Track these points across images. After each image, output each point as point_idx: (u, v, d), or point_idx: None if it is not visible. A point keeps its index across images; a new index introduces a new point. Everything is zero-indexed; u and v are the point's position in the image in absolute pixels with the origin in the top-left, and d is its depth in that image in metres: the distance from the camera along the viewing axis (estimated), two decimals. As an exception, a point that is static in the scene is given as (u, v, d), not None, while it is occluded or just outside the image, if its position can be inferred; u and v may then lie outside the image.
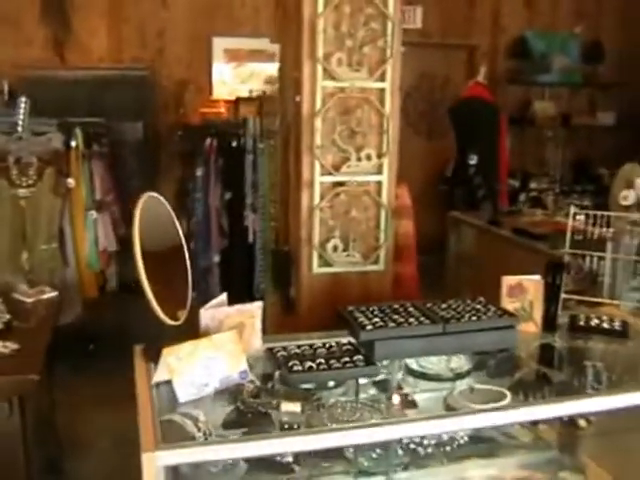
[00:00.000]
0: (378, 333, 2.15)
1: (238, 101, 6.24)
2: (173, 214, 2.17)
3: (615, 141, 7.59)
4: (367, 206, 3.06)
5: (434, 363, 2.33)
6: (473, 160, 4.94)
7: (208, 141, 4.97)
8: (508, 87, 7.54)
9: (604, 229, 2.51)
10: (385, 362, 2.23)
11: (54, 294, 3.72)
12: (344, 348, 2.18)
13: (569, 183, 7.05)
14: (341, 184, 3.00)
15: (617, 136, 7.62)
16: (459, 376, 2.28)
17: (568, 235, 2.50)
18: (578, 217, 2.48)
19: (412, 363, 2.31)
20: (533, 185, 6.39)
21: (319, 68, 2.89)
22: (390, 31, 2.99)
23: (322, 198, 2.98)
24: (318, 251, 3.01)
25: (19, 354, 2.81)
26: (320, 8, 2.87)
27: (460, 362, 2.34)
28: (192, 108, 6.58)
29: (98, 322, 5.08)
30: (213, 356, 1.97)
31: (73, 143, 4.83)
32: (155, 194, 2.12)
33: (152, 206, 2.15)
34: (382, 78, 3.00)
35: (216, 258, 4.97)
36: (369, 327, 2.16)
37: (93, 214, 4.94)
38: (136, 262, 2.02)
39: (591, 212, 2.52)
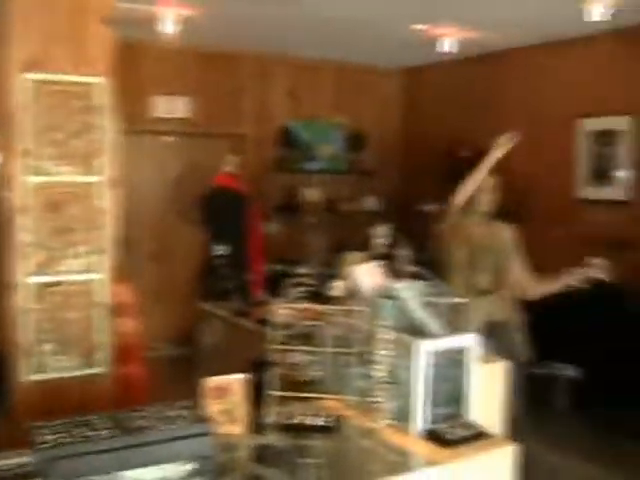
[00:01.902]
0: (55, 452, 1.95)
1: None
2: None
3: (386, 225, 7.89)
4: (83, 306, 2.89)
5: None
6: (220, 251, 4.91)
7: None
8: (276, 175, 7.68)
9: (310, 322, 2.50)
10: None
11: None
12: (18, 471, 1.96)
13: (335, 266, 7.18)
14: (54, 284, 2.81)
15: (383, 220, 7.94)
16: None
17: (272, 330, 2.45)
18: (284, 311, 2.44)
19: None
20: (299, 271, 6.44)
21: (24, 162, 2.73)
22: (103, 123, 2.88)
23: (33, 299, 2.77)
24: (30, 356, 2.78)
25: None
26: (24, 100, 2.72)
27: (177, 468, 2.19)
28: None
29: None
30: None
31: None
32: None
33: None
34: (95, 171, 2.88)
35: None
36: (45, 445, 1.97)
37: None
38: None
39: (296, 305, 2.49)
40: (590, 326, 5.47)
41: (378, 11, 5.75)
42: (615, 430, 5.24)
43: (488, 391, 2.88)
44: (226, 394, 2.31)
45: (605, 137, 6.40)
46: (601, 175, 6.43)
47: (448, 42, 6.63)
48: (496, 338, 3.53)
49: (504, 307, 4.03)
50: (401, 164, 8.64)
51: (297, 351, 2.49)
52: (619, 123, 6.27)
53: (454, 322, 2.64)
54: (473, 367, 2.50)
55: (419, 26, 6.29)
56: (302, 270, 6.58)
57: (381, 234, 2.99)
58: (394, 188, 8.50)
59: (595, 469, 4.74)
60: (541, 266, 6.14)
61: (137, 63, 6.95)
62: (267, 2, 5.48)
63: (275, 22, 6.24)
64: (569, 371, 5.73)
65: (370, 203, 8.06)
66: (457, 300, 2.68)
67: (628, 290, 5.71)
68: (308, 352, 2.52)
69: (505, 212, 5.83)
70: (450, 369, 2.43)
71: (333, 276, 5.94)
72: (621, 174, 6.28)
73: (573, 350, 5.64)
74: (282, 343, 2.42)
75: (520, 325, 4.09)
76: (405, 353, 2.35)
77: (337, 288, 2.75)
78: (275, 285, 5.47)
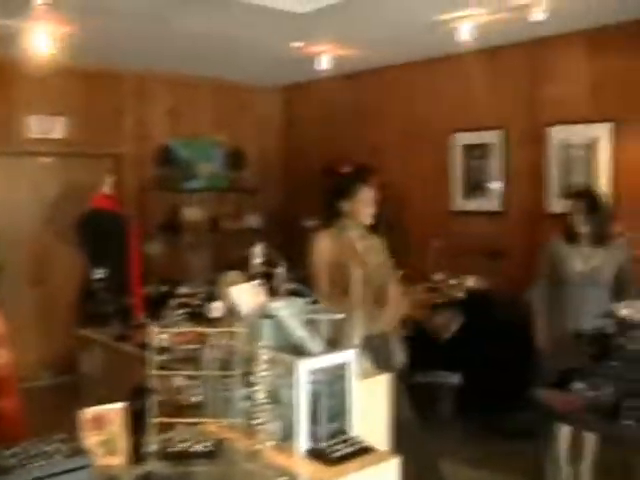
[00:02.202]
0: None
1: None
2: None
3: (263, 242, 7.92)
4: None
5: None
6: (99, 274, 4.78)
7: None
8: (157, 194, 7.56)
9: (190, 345, 2.47)
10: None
11: None
12: None
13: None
14: None
15: (264, 237, 7.98)
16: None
17: (151, 354, 2.40)
18: (162, 335, 2.40)
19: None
20: (183, 290, 6.37)
21: None
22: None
23: None
24: None
25: None
26: None
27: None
28: None
29: None
30: None
31: None
32: None
33: None
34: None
35: None
36: None
37: None
38: None
39: (174, 329, 2.46)
40: (467, 334, 5.64)
41: (255, 29, 5.77)
42: (492, 434, 5.43)
43: (371, 405, 2.93)
44: (104, 424, 2.25)
45: (477, 150, 6.64)
46: (475, 187, 6.68)
47: (326, 60, 6.72)
48: (376, 350, 3.59)
49: (385, 320, 4.10)
50: (282, 181, 8.70)
51: (178, 375, 2.45)
52: (490, 137, 6.53)
53: (334, 338, 2.67)
54: (354, 383, 2.53)
55: (297, 44, 6.35)
56: (185, 290, 6.55)
57: (259, 252, 2.99)
58: (276, 205, 8.56)
59: (479, 474, 4.91)
60: (418, 278, 6.34)
61: (10, 82, 6.72)
62: (139, 20, 5.42)
63: (151, 40, 6.16)
64: (452, 379, 5.89)
65: (252, 221, 8.06)
66: (335, 316, 2.71)
67: (502, 298, 5.95)
68: (189, 376, 2.49)
69: (383, 225, 5.99)
70: (332, 386, 2.45)
71: (216, 295, 5.91)
72: (494, 186, 6.53)
73: (453, 358, 5.80)
74: (162, 368, 2.37)
75: (399, 336, 4.18)
76: (286, 373, 2.35)
77: (217, 309, 2.73)
78: (158, 307, 5.38)
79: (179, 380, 2.48)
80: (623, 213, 5.10)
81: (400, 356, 4.08)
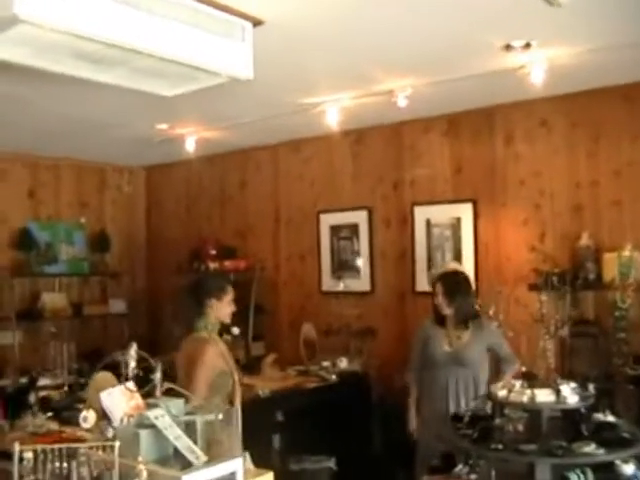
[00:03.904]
0: None
1: None
2: None
3: (128, 327, 7.70)
4: None
5: None
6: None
7: None
8: (15, 280, 7.16)
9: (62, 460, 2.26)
10: None
11: None
12: None
13: (87, 374, 6.79)
14: None
15: (129, 322, 7.74)
16: None
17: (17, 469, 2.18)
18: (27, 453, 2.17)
19: None
20: (44, 382, 6.00)
21: None
22: None
23: None
24: None
25: None
26: None
27: None
28: None
29: None
30: None
31: None
32: None
33: None
34: None
35: None
36: None
37: None
38: None
39: (38, 446, 2.24)
40: (341, 416, 5.56)
41: (121, 110, 5.63)
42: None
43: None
44: None
45: (345, 231, 6.69)
46: (344, 267, 6.69)
47: (192, 141, 6.66)
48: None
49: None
50: (147, 263, 8.46)
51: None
52: (355, 217, 6.60)
53: (213, 440, 2.52)
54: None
55: (162, 125, 6.26)
56: (46, 382, 6.12)
57: (131, 353, 2.79)
58: (141, 289, 8.32)
59: None
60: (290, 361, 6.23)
61: None
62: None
63: (10, 120, 5.88)
64: (328, 463, 5.75)
65: (117, 306, 7.77)
66: (211, 417, 2.58)
67: (375, 379, 5.96)
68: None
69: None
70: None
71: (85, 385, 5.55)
72: (362, 265, 6.57)
73: (327, 442, 5.66)
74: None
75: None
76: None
77: (89, 419, 2.52)
78: (18, 403, 5.00)
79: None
80: (483, 290, 5.19)
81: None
